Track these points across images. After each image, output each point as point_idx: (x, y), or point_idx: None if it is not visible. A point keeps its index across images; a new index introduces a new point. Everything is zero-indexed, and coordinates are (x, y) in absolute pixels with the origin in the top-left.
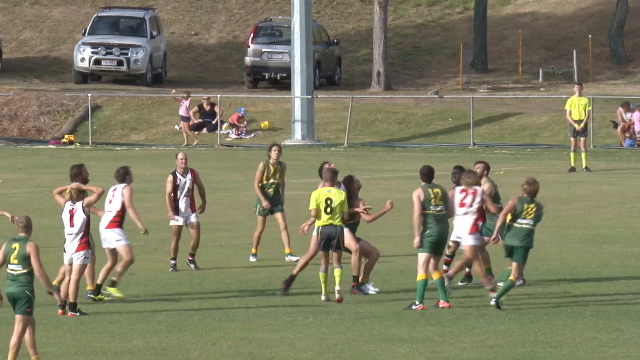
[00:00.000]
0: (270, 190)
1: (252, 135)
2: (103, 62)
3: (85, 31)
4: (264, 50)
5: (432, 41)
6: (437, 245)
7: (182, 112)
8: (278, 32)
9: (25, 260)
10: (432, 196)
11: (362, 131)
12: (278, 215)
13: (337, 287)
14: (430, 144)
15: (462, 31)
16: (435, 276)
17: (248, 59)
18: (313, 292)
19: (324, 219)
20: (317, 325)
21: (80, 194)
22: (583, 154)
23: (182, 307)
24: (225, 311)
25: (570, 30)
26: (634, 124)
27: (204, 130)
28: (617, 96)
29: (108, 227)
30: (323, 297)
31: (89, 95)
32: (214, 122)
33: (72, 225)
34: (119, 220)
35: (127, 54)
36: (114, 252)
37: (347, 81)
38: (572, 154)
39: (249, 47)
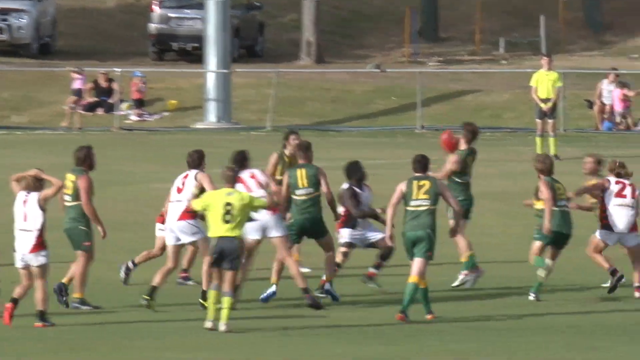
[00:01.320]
0: None
1: (157, 116)
2: None
3: None
4: (171, 15)
5: (372, 5)
6: (414, 246)
7: (77, 85)
8: None
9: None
10: (414, 190)
11: (288, 112)
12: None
13: (222, 327)
14: (370, 127)
15: None
16: (411, 279)
17: (153, 26)
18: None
19: (222, 229)
20: (239, 342)
21: (37, 183)
22: (552, 139)
23: (80, 321)
24: (133, 326)
25: None
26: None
27: (99, 110)
28: (593, 70)
29: (181, 218)
30: (208, 324)
31: None
32: (111, 100)
33: (25, 219)
34: (193, 211)
35: (7, 20)
36: (177, 250)
37: (271, 52)
38: (538, 139)
39: (153, 11)
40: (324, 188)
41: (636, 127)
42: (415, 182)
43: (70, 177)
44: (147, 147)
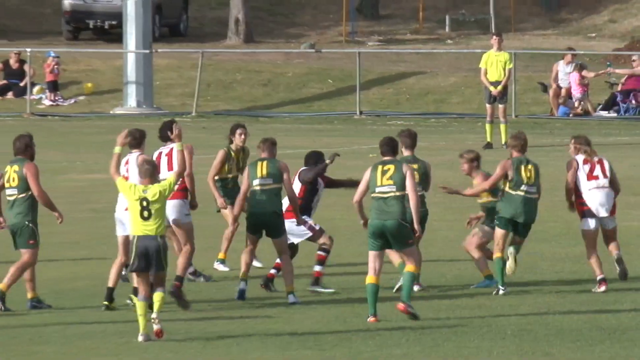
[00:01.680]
0: (231, 186)
1: (73, 101)
2: None
3: None
4: None
5: None
6: (380, 236)
7: None
8: None
9: None
10: (378, 175)
11: (215, 96)
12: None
13: (153, 315)
14: (304, 112)
15: None
16: (407, 269)
17: (67, 3)
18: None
19: (140, 226)
20: (157, 348)
21: None
22: (502, 126)
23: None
24: (37, 330)
25: None
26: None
27: (9, 94)
28: (547, 50)
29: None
30: (140, 338)
31: None
32: (22, 84)
33: None
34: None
35: None
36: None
37: (196, 31)
38: (488, 126)
39: None
40: (286, 184)
41: (595, 112)
42: (379, 167)
43: (13, 168)
44: (62, 134)
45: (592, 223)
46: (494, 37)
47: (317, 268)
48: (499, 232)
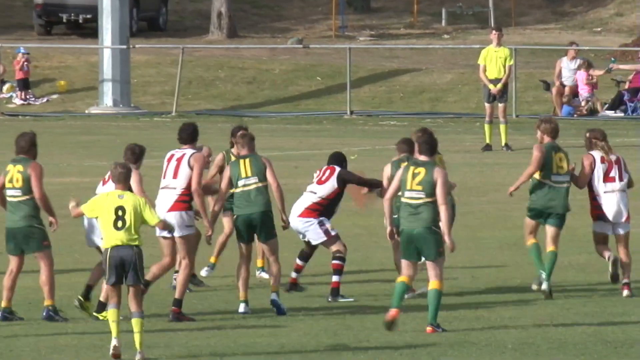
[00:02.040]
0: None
1: (45, 100)
2: None
3: None
4: None
5: None
6: (410, 245)
7: None
8: None
9: None
10: (409, 177)
11: (197, 94)
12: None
13: (137, 356)
14: (291, 112)
15: None
16: (432, 285)
17: None
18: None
19: (114, 237)
20: None
21: None
22: (502, 126)
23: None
24: (6, 343)
25: None
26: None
27: None
28: (549, 46)
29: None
30: (115, 342)
31: None
32: None
33: None
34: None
35: None
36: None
37: (176, 25)
38: (487, 126)
39: None
40: (270, 179)
41: (601, 112)
42: (411, 169)
43: (17, 168)
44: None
45: (605, 227)
46: (494, 31)
47: (335, 278)
48: (528, 222)
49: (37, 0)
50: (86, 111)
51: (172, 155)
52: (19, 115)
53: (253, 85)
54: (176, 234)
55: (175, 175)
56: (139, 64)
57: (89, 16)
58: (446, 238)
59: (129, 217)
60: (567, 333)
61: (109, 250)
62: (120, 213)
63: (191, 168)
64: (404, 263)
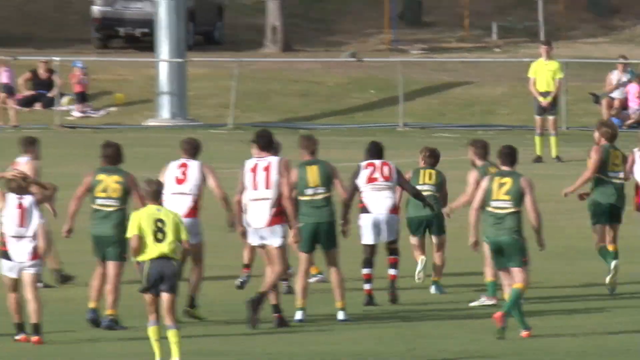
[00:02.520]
0: None
1: (103, 112)
2: None
3: None
4: None
5: None
6: (499, 253)
7: (3, 80)
8: None
9: None
10: (494, 187)
11: (251, 107)
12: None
13: None
14: (344, 124)
15: None
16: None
17: (96, 9)
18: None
19: (155, 249)
20: None
21: (27, 184)
22: (552, 138)
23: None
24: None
25: None
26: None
27: (37, 105)
28: (598, 59)
29: (189, 215)
30: None
31: None
32: (50, 94)
33: (22, 224)
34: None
35: None
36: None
37: (232, 39)
38: (537, 139)
39: None
40: (339, 187)
41: None
42: (497, 180)
43: (113, 178)
44: (92, 147)
45: None
46: (543, 45)
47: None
48: (597, 228)
49: (95, 14)
50: (143, 123)
51: (256, 165)
52: (77, 127)
53: (307, 98)
54: (276, 244)
55: (267, 185)
56: (195, 77)
57: (145, 30)
58: (540, 241)
59: (169, 230)
60: (618, 340)
61: (148, 262)
62: (160, 225)
63: (280, 175)
64: (501, 273)
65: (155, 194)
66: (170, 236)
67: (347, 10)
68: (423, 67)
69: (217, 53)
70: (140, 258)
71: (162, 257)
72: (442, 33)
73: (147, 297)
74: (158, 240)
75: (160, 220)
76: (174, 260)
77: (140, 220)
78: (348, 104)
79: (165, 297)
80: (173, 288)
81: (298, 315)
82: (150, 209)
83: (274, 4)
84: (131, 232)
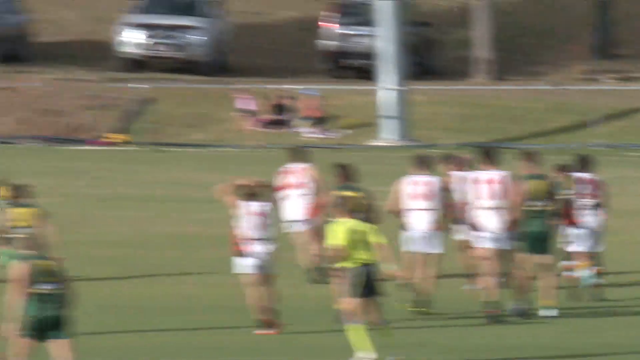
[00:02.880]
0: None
1: (337, 134)
2: (155, 47)
3: (132, 10)
4: (348, 32)
5: (538, 20)
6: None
7: (247, 106)
8: (361, 10)
9: None
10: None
11: (464, 129)
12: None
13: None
14: (545, 144)
15: (575, 9)
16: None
17: (330, 43)
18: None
19: (359, 256)
20: None
21: (267, 191)
22: None
23: None
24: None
25: None
26: None
27: (280, 128)
28: None
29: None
30: (373, 356)
31: (143, 86)
32: (288, 118)
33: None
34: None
35: (185, 37)
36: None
37: (443, 70)
38: None
39: (327, 27)
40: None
41: None
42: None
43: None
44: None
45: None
46: None
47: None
48: None
49: (328, 47)
50: (374, 143)
51: (492, 179)
52: (318, 147)
53: (513, 121)
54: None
55: (504, 196)
56: (415, 103)
57: (368, 61)
58: None
59: (368, 238)
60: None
61: (353, 268)
62: (359, 235)
63: (509, 187)
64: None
65: (347, 208)
66: (369, 244)
67: (542, 43)
68: (615, 96)
69: (433, 82)
70: (346, 263)
71: (365, 264)
72: (633, 64)
73: (357, 301)
74: (362, 248)
75: (360, 231)
76: (373, 264)
77: (340, 232)
78: (548, 127)
79: (371, 302)
80: (376, 291)
81: (552, 312)
82: (351, 221)
83: (483, 38)
84: (334, 243)
